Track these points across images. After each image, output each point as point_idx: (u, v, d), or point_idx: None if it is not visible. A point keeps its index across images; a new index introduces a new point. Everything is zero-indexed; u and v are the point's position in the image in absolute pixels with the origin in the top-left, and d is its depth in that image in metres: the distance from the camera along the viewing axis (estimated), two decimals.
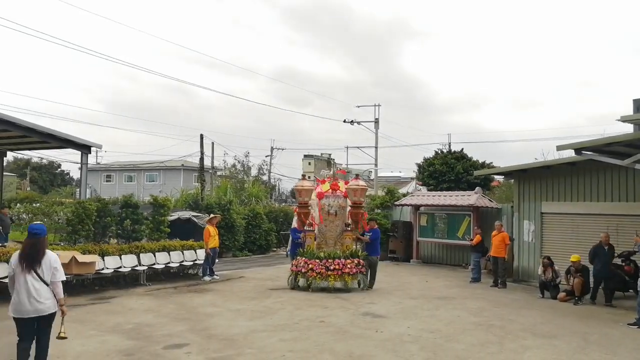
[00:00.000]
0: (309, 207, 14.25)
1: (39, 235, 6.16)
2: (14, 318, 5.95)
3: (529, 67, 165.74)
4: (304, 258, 13.23)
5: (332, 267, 12.85)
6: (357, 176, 15.06)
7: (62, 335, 6.16)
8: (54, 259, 6.13)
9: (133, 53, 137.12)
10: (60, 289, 6.13)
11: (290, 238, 15.19)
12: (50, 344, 5.94)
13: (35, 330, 5.99)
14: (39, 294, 5.89)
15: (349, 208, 14.12)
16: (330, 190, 14.47)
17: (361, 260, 13.23)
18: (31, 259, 5.95)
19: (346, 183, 14.65)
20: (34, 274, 5.91)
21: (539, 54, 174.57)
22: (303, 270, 13.06)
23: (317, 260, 13.04)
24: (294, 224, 15.13)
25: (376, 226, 14.36)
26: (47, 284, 5.97)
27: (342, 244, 13.67)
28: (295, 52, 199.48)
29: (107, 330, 8.81)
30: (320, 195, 14.29)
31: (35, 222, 7.91)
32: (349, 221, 14.04)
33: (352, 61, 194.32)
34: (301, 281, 13.30)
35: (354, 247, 13.72)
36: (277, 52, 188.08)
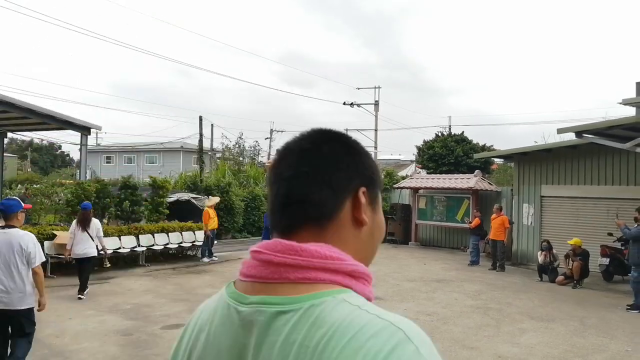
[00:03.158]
0: None
1: (88, 209, 10.04)
2: (74, 258, 9.79)
3: (536, 49, 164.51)
4: None
5: None
6: None
7: (107, 265, 12.08)
8: (97, 223, 10.14)
9: (132, 34, 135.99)
10: (102, 240, 10.18)
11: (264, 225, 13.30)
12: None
13: (82, 265, 9.80)
14: (87, 244, 9.72)
15: None
16: None
17: None
18: (83, 223, 9.77)
19: None
20: (86, 232, 9.72)
21: (547, 37, 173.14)
22: None
23: None
24: None
25: None
26: (92, 239, 9.78)
27: None
28: (301, 32, 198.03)
29: (106, 310, 8.85)
30: None
31: (85, 202, 11.27)
32: None
33: (359, 42, 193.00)
34: None
35: None
36: (283, 32, 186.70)
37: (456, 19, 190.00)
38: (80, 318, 8.21)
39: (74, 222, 10.05)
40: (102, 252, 10.39)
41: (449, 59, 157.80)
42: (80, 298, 9.62)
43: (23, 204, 5.58)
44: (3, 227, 5.27)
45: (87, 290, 9.89)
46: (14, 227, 5.25)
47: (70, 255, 9.83)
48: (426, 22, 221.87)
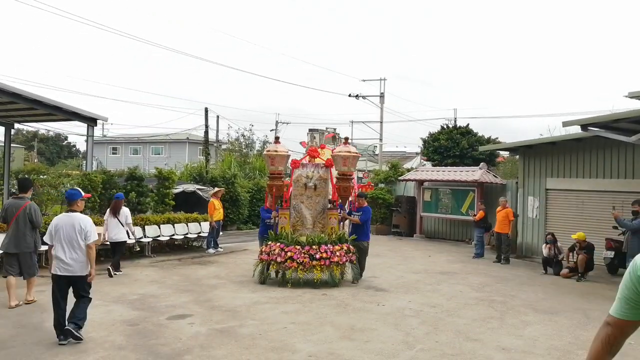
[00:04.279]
0: (283, 179, 11.69)
1: (120, 198, 11.73)
2: (109, 242, 11.39)
3: (542, 41, 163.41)
4: (278, 244, 10.49)
5: (318, 256, 10.22)
6: (346, 140, 11.68)
7: (136, 249, 13.61)
8: (127, 211, 11.76)
9: (139, 26, 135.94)
10: (131, 227, 11.86)
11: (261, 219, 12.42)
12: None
13: (116, 249, 11.56)
14: (118, 230, 11.43)
15: (334, 180, 11.48)
16: (308, 158, 11.77)
17: (351, 247, 10.77)
18: (114, 211, 11.47)
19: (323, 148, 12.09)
20: (117, 219, 11.43)
21: (553, 29, 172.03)
22: (278, 260, 10.29)
23: (298, 247, 10.35)
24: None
25: (366, 204, 11.71)
26: (122, 225, 11.47)
27: (325, 226, 11.03)
28: (306, 24, 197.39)
29: (112, 300, 8.92)
30: (295, 164, 11.54)
31: (118, 192, 12.77)
32: (334, 197, 11.49)
33: (365, 34, 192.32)
34: (273, 273, 10.76)
35: (342, 229, 11.30)
36: (288, 24, 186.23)
37: (463, 11, 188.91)
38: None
39: (108, 210, 11.76)
40: (132, 237, 12.21)
41: (455, 51, 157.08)
42: (112, 275, 11.01)
43: (83, 194, 6.94)
44: (67, 211, 6.73)
45: (120, 270, 11.43)
46: (75, 211, 6.69)
47: (105, 240, 11.29)
48: (433, 15, 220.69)
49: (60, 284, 6.57)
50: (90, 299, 6.83)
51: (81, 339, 6.51)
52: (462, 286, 11.00)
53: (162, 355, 6.25)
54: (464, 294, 10.18)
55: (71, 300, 6.72)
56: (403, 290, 10.35)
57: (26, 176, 15.01)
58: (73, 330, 6.48)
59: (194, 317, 7.97)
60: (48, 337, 6.78)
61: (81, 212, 6.89)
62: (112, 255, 11.68)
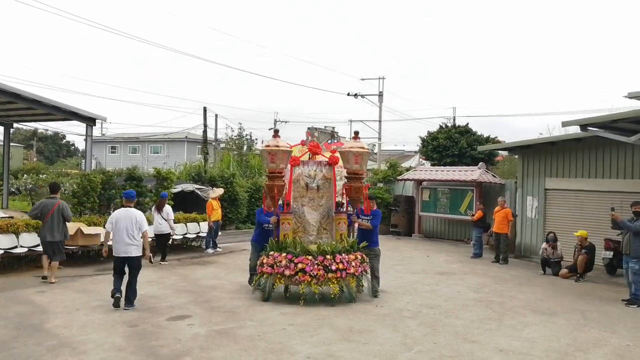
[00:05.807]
0: (284, 178, 9.90)
1: (164, 197, 13.46)
2: (155, 235, 12.88)
3: (542, 41, 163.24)
4: (284, 254, 9.03)
5: (333, 267, 8.87)
6: (356, 135, 10.04)
7: (170, 243, 14.05)
8: (169, 208, 13.28)
9: (138, 26, 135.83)
10: (172, 222, 13.21)
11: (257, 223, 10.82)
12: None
13: (160, 241, 13.15)
14: (161, 224, 12.99)
15: (343, 180, 10.00)
16: (309, 155, 10.41)
17: (365, 255, 9.52)
18: (159, 208, 13.13)
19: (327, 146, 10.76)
20: (160, 215, 13.01)
21: (553, 29, 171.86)
22: (287, 273, 8.86)
23: (310, 258, 8.93)
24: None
25: (375, 206, 10.37)
26: (165, 220, 12.99)
27: (335, 231, 9.73)
28: (307, 22, 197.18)
29: (112, 301, 8.92)
30: (295, 162, 10.03)
31: (163, 191, 14.66)
32: (342, 199, 10.16)
33: (365, 32, 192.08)
34: (279, 287, 9.21)
35: (352, 235, 10.21)
36: (288, 22, 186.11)
37: (462, 11, 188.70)
38: (86, 309, 8.32)
39: (153, 207, 13.58)
40: (173, 231, 13.42)
41: (455, 50, 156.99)
42: (161, 263, 12.84)
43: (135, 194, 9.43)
44: (125, 207, 8.78)
45: (166, 260, 13.06)
46: (131, 207, 8.77)
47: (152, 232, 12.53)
48: (433, 14, 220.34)
49: (119, 263, 8.53)
50: (136, 280, 8.66)
51: (133, 307, 8.46)
52: (461, 287, 11.02)
53: (162, 357, 6.27)
54: (462, 295, 10.21)
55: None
56: (401, 291, 10.37)
57: (55, 181, 16.01)
58: (128, 308, 8.39)
59: (193, 318, 7.99)
60: (49, 338, 6.81)
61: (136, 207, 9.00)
62: (157, 246, 13.08)
